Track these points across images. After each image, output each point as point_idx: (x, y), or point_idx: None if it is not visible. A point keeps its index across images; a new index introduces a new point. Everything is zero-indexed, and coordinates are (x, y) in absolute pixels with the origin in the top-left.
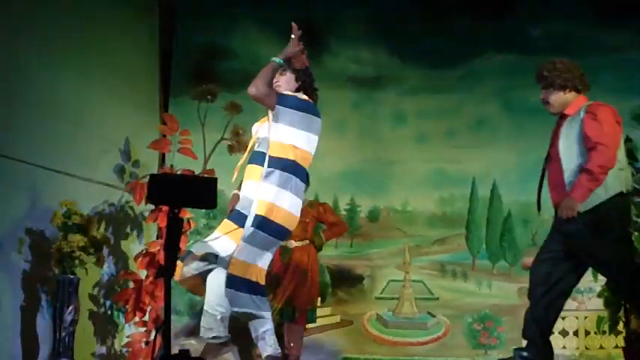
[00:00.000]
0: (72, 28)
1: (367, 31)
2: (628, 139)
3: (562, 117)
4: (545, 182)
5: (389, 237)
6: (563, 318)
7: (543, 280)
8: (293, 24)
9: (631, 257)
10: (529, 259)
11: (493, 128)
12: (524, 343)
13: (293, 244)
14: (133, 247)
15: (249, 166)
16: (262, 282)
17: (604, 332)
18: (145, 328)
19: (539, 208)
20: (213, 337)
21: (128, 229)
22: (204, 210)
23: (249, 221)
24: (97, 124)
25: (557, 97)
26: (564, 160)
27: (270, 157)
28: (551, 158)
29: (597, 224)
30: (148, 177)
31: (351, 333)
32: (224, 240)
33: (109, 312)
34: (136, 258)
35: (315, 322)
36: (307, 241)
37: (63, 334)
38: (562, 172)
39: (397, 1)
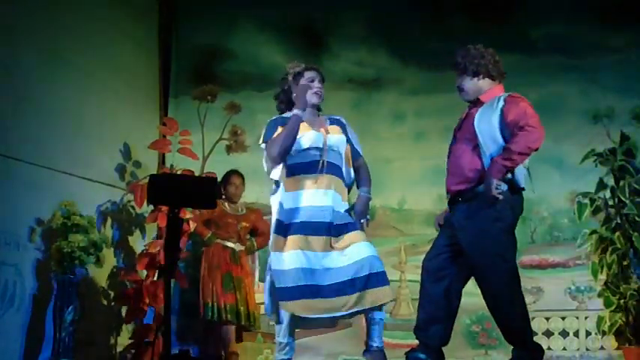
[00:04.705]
0: (72, 28)
1: (367, 32)
2: (625, 137)
3: (475, 103)
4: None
5: (385, 236)
6: (563, 318)
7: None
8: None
9: (507, 260)
10: (528, 258)
11: None
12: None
13: (239, 247)
14: (135, 246)
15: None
16: None
17: (604, 333)
18: (145, 329)
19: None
20: None
21: (130, 229)
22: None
23: None
24: (97, 123)
25: (471, 84)
26: (484, 145)
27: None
28: (457, 140)
29: (483, 214)
30: (148, 177)
31: (349, 335)
32: None
33: (110, 312)
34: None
35: None
36: (244, 247)
37: (63, 334)
38: (473, 156)
39: (397, 2)
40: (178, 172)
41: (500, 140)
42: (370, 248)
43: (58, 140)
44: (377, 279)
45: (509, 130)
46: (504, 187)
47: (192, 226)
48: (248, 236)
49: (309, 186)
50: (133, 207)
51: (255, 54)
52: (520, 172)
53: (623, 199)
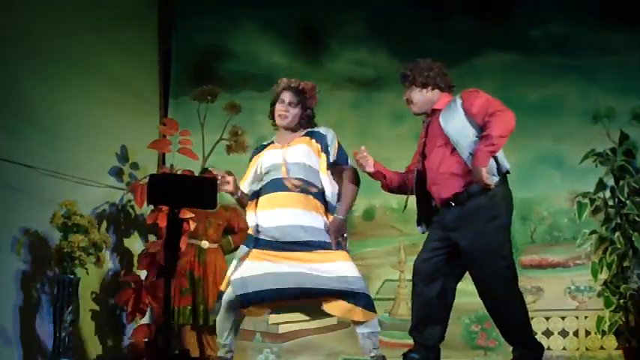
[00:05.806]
0: (71, 29)
1: (367, 32)
2: (625, 137)
3: (432, 113)
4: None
5: (384, 235)
6: (563, 318)
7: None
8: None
9: (505, 252)
10: (528, 258)
11: None
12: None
13: (206, 244)
14: (135, 246)
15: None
16: None
17: (604, 332)
18: (145, 329)
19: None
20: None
21: (129, 229)
22: None
23: None
24: (96, 125)
25: (420, 95)
26: (459, 143)
27: None
28: (428, 152)
29: (478, 214)
30: (148, 177)
31: (348, 335)
32: None
33: (110, 312)
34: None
35: None
36: (217, 245)
37: (63, 334)
38: (452, 158)
39: (397, 2)
40: (178, 172)
41: (473, 133)
42: (355, 270)
43: (58, 142)
44: (363, 299)
45: (477, 122)
46: (495, 178)
47: (193, 225)
48: (223, 234)
49: (272, 205)
50: (132, 207)
51: (256, 54)
52: (500, 155)
53: (622, 199)
